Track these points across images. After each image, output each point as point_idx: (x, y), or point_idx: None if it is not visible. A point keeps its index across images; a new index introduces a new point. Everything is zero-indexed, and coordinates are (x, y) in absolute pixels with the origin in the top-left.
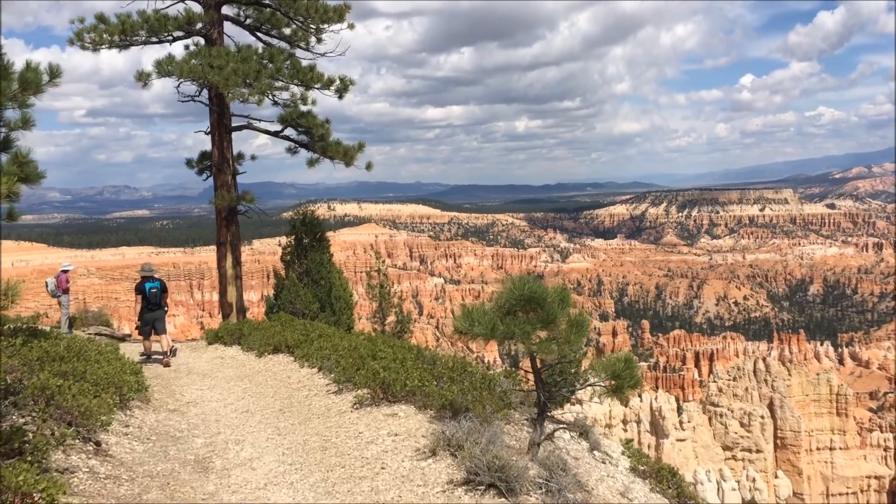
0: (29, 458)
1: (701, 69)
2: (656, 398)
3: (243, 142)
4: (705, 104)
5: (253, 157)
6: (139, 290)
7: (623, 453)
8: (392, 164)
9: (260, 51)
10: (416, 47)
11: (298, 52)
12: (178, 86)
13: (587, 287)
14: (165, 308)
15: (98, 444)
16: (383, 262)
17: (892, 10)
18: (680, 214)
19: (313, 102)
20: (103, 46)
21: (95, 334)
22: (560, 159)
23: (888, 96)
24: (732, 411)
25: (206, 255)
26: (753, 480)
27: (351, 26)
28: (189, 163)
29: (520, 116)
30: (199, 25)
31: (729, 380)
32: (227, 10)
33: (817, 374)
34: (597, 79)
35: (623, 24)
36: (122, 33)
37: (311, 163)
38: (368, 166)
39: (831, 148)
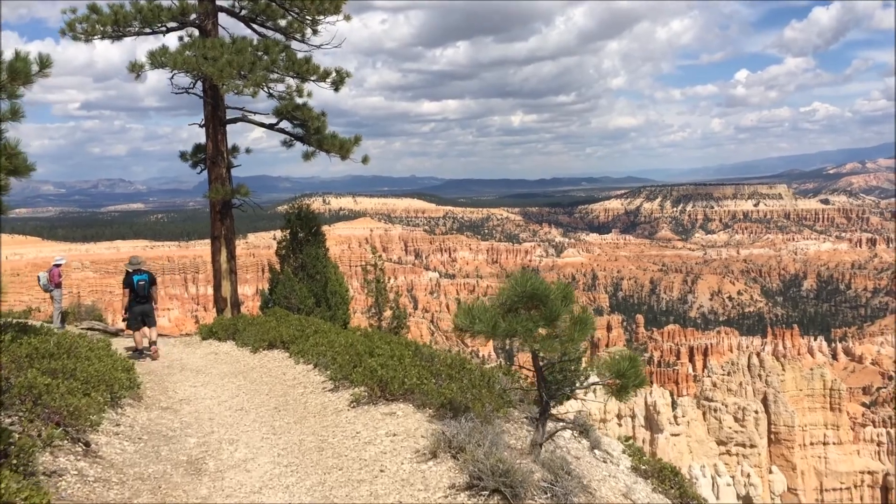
0: (14, 461)
1: (696, 64)
2: (651, 393)
3: (238, 135)
4: (700, 99)
5: (248, 151)
6: (126, 283)
7: (624, 452)
8: (387, 158)
9: (255, 42)
10: (411, 41)
11: (294, 45)
12: (172, 77)
13: (582, 281)
14: (154, 302)
15: (87, 444)
16: (380, 256)
17: (888, 6)
18: (674, 209)
19: (309, 95)
20: (96, 37)
21: (88, 329)
22: (555, 154)
23: (883, 92)
24: (726, 406)
25: (201, 249)
26: (748, 475)
27: (347, 18)
28: (183, 156)
29: (515, 111)
30: (194, 16)
31: (723, 374)
32: (221, 0)
33: (811, 369)
34: (592, 73)
35: (619, 19)
36: (115, 24)
37: (306, 156)
38: (365, 160)
39: (825, 143)
